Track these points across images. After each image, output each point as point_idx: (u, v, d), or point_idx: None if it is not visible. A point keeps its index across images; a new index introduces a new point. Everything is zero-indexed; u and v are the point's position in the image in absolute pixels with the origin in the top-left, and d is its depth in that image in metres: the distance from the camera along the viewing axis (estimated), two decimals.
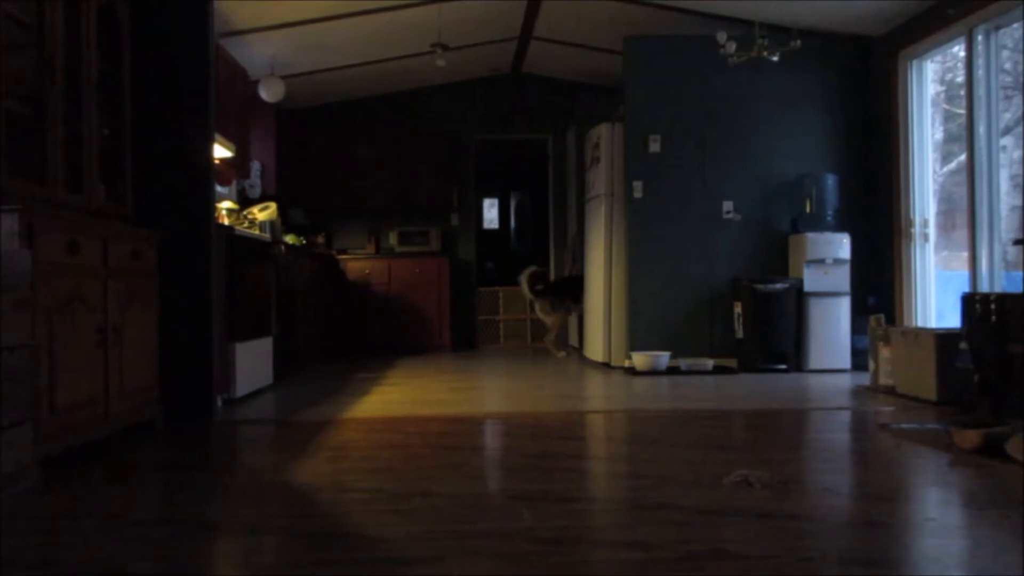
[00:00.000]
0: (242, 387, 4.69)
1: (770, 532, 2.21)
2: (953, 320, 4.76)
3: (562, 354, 7.33)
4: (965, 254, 5.23)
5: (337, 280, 7.87)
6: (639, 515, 2.45)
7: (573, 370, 6.45)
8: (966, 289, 4.96)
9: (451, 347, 8.11)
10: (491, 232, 12.43)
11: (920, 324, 5.72)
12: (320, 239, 8.15)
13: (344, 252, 8.24)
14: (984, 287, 4.99)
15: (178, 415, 3.97)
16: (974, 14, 5.05)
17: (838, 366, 5.95)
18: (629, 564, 1.99)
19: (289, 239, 6.80)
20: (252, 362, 4.91)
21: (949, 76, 6.05)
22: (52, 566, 2.02)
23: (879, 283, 6.11)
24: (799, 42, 5.04)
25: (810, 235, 5.94)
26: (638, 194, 6.16)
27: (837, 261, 5.94)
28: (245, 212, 6.22)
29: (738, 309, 6.03)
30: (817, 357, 5.97)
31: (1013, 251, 4.93)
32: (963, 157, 5.34)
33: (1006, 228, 5.06)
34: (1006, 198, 5.08)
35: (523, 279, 7.45)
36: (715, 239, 6.19)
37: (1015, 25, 4.92)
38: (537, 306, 7.46)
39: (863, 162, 6.26)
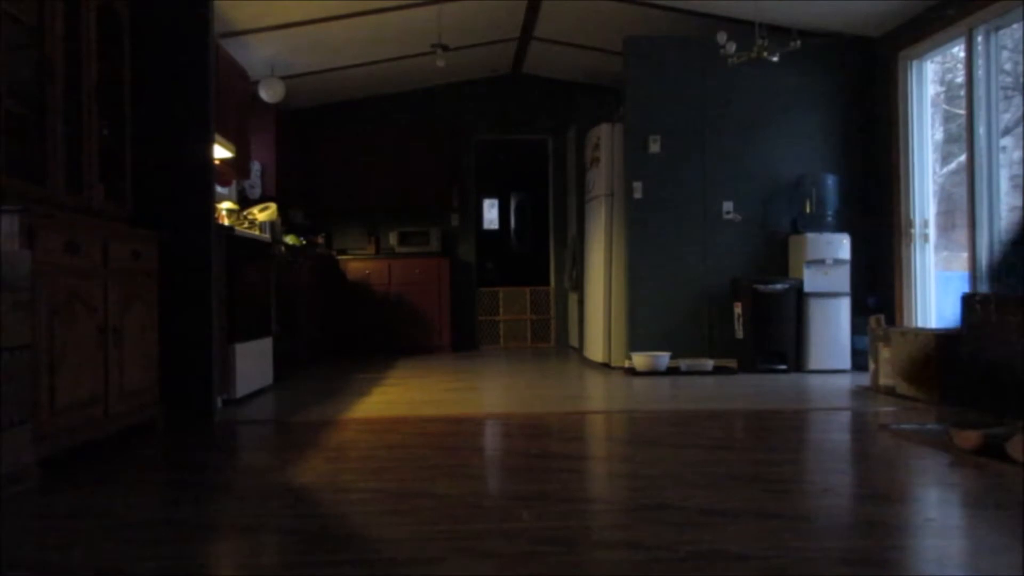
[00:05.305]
0: (242, 387, 4.69)
1: (770, 532, 2.21)
2: (953, 320, 4.75)
3: None
4: (965, 254, 5.23)
5: (337, 280, 7.87)
6: (639, 515, 2.44)
7: (573, 370, 6.45)
8: (966, 289, 4.96)
9: (451, 347, 8.11)
10: (491, 232, 12.41)
11: (920, 324, 5.71)
12: (320, 239, 8.15)
13: (344, 252, 8.23)
14: (984, 287, 4.99)
15: (178, 415, 3.97)
16: (974, 14, 5.05)
17: (838, 366, 5.94)
18: (629, 564, 1.99)
19: (289, 239, 6.80)
20: (252, 362, 4.91)
21: (949, 76, 6.05)
22: (52, 566, 2.02)
23: (879, 283, 6.11)
24: (799, 42, 5.04)
25: (810, 235, 5.94)
26: (638, 194, 6.16)
27: (837, 261, 5.94)
28: (245, 213, 6.22)
29: (738, 309, 6.03)
30: (817, 357, 5.96)
31: None
32: (963, 157, 5.34)
33: (1006, 228, 5.06)
34: (1006, 198, 5.07)
35: None
36: (715, 239, 6.19)
37: (1015, 25, 4.91)
38: None
39: (863, 162, 6.26)
